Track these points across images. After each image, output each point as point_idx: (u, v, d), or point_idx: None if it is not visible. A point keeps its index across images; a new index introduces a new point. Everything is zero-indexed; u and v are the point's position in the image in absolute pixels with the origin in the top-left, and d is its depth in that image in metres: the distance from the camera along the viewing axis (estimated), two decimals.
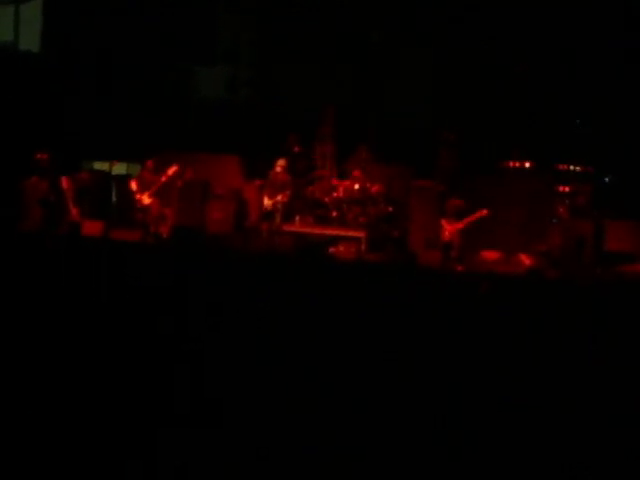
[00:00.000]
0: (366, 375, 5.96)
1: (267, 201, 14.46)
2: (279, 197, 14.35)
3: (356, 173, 15.25)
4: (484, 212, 13.91)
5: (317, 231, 14.71)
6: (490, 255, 14.31)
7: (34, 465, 4.67)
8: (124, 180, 15.47)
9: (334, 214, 15.09)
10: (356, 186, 15.08)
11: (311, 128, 16.33)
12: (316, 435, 5.16)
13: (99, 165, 16.39)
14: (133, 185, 14.28)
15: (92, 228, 13.41)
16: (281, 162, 14.59)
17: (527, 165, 15.93)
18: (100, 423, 5.09)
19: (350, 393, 5.68)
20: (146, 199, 14.13)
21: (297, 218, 15.09)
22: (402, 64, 17.20)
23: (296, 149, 15.82)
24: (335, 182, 15.40)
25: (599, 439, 5.26)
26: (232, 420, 5.25)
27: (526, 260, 13.98)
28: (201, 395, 5.57)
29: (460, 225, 13.93)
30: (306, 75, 17.20)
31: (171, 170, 14.11)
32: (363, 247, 14.31)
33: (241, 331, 6.53)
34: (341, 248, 14.11)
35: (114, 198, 15.31)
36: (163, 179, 14.11)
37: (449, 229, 13.96)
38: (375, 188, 15.17)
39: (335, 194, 15.19)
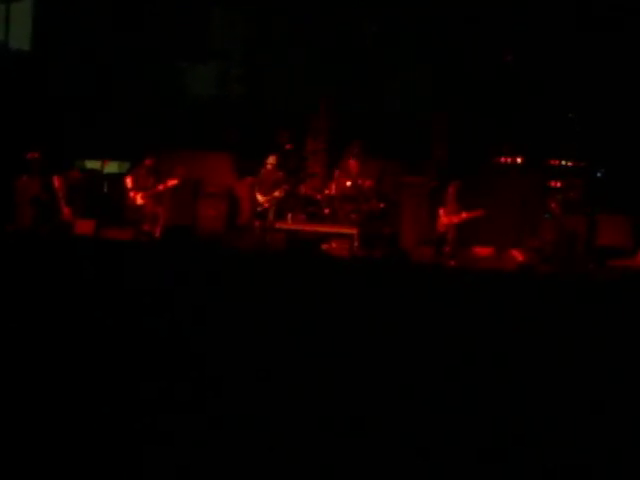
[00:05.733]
0: (360, 372, 5.97)
1: (261, 198, 14.45)
2: (276, 193, 14.35)
3: (353, 166, 15.02)
4: (481, 212, 13.95)
5: (309, 228, 14.70)
6: (482, 251, 14.34)
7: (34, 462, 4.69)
8: (116, 178, 15.45)
9: (326, 211, 15.07)
10: (348, 183, 15.05)
11: (302, 124, 16.30)
12: (312, 435, 5.17)
13: (91, 164, 16.36)
14: (128, 182, 14.24)
15: (84, 227, 13.41)
16: (271, 159, 14.57)
17: (519, 160, 15.97)
18: (91, 430, 5.10)
19: (345, 390, 5.69)
20: (140, 199, 14.11)
21: (289, 215, 15.07)
22: (397, 60, 17.15)
23: (287, 145, 15.75)
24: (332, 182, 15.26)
25: (594, 438, 5.27)
26: (229, 423, 5.26)
27: (518, 256, 14.01)
28: (193, 393, 5.57)
29: (456, 219, 13.96)
30: (298, 71, 17.15)
31: (171, 182, 14.08)
32: (356, 244, 14.32)
33: (235, 329, 6.54)
34: (334, 245, 14.13)
35: (106, 197, 15.31)
36: (161, 188, 14.09)
37: (445, 220, 13.98)
38: (367, 184, 15.13)
39: (327, 191, 15.16)
